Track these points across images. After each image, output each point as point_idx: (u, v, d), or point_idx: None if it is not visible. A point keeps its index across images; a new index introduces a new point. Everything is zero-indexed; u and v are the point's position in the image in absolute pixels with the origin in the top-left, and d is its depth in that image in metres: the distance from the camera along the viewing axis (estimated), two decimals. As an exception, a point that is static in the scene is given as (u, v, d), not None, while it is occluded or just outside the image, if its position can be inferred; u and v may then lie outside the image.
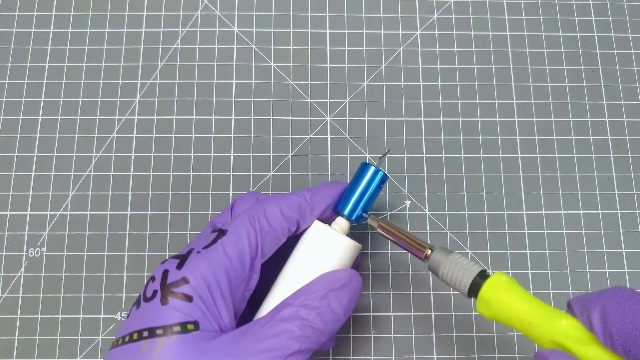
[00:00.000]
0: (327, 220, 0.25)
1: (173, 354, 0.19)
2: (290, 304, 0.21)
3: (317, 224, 0.24)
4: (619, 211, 0.31)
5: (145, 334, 0.19)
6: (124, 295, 0.29)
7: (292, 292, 0.22)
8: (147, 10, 0.33)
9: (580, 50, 0.33)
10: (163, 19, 0.33)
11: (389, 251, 0.30)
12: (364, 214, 0.25)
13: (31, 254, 0.30)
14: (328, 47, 0.33)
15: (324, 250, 0.23)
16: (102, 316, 0.29)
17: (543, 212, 0.31)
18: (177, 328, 0.19)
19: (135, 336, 0.19)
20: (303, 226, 0.24)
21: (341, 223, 0.25)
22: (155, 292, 0.20)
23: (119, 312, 0.29)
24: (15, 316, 0.29)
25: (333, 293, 0.22)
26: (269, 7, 0.33)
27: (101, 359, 0.28)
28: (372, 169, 0.25)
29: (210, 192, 0.30)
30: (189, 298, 0.20)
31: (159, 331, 0.19)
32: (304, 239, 0.24)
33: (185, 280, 0.20)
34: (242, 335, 0.20)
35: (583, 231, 0.30)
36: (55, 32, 0.33)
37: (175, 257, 0.22)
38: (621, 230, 0.30)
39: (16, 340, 0.28)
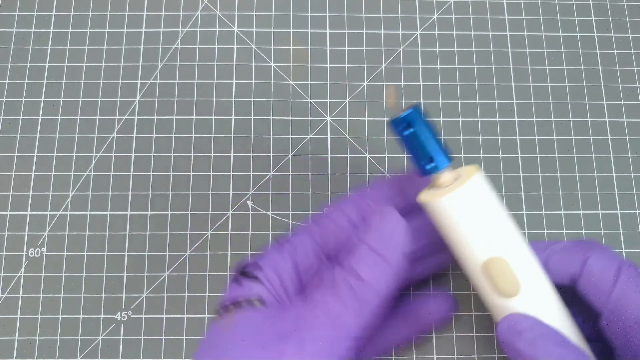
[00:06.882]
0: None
1: (237, 323, 0.22)
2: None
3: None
4: (619, 211, 0.31)
5: (220, 310, 0.23)
6: (124, 295, 0.29)
7: None
8: (147, 10, 0.33)
9: (580, 50, 0.33)
10: (163, 19, 0.33)
11: (389, 251, 0.30)
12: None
13: (31, 254, 0.30)
14: (328, 47, 0.33)
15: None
16: (102, 316, 0.29)
17: (543, 212, 0.31)
18: (245, 303, 0.22)
19: (213, 313, 0.23)
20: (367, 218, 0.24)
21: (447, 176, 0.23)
22: (232, 275, 0.24)
23: (119, 312, 0.29)
24: (15, 316, 0.29)
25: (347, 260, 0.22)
26: (269, 7, 0.33)
27: (101, 359, 0.28)
28: (410, 112, 0.22)
29: (210, 192, 0.30)
30: (257, 278, 0.23)
31: (230, 307, 0.22)
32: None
33: (256, 265, 0.23)
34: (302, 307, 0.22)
35: (583, 231, 0.30)
36: (55, 32, 0.33)
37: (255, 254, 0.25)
38: (621, 230, 0.30)
39: (16, 340, 0.28)
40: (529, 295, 0.22)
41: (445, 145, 0.23)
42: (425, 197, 0.23)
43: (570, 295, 0.25)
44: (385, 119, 0.32)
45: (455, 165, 0.23)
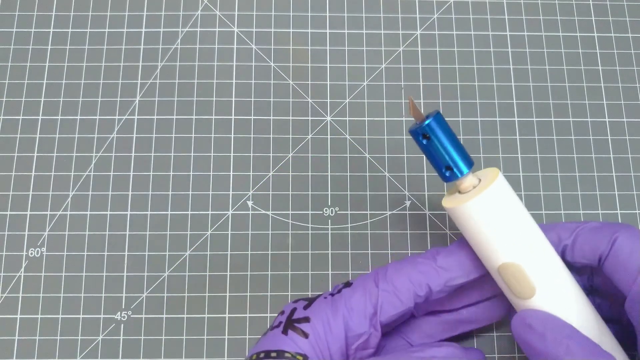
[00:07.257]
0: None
1: None
2: None
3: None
4: (619, 211, 0.31)
5: (262, 355, 0.22)
6: (124, 295, 0.29)
7: None
8: (147, 10, 0.33)
9: (580, 50, 0.33)
10: (163, 19, 0.33)
11: (389, 251, 0.30)
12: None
13: (31, 254, 0.30)
14: (328, 47, 0.33)
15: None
16: (102, 316, 0.29)
17: (543, 212, 0.31)
18: (289, 355, 0.22)
19: (254, 357, 0.22)
20: (435, 288, 0.23)
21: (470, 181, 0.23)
22: (280, 323, 0.23)
23: (119, 312, 0.29)
24: (15, 316, 0.29)
25: None
26: (269, 7, 0.33)
27: (101, 359, 0.28)
28: (429, 121, 0.22)
29: (210, 192, 0.30)
30: (306, 335, 0.22)
31: (272, 354, 0.22)
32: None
33: (307, 319, 0.23)
34: None
35: (583, 231, 0.30)
36: (55, 32, 0.33)
37: (306, 299, 0.24)
38: (621, 230, 0.30)
39: (16, 340, 0.28)
40: (545, 296, 0.22)
41: (464, 152, 0.23)
42: (447, 203, 0.24)
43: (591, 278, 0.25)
44: (385, 118, 0.32)
45: (476, 167, 0.23)
